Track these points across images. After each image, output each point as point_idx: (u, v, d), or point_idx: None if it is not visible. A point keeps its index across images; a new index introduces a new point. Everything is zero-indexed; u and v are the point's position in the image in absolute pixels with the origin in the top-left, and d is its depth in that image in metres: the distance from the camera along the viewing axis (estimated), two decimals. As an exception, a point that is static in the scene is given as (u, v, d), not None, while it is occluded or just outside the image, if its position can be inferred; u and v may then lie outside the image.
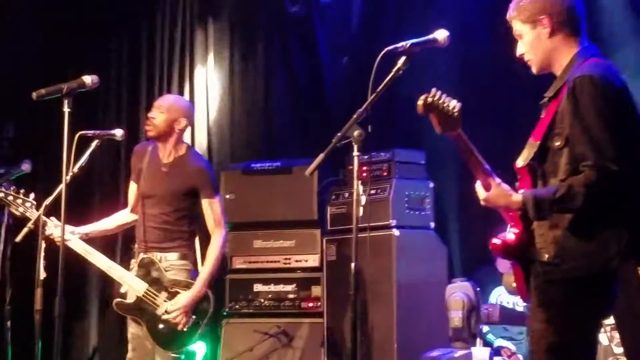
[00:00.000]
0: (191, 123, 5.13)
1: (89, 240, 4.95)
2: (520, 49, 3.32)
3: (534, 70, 3.32)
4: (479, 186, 3.28)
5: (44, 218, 4.57)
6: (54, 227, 4.62)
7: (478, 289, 5.57)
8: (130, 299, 4.87)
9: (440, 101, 3.16)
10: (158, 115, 4.97)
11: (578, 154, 3.03)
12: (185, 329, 4.82)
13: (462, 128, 3.20)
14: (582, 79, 3.04)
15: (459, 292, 5.50)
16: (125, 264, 5.00)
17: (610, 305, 3.19)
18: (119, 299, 4.88)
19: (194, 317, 4.84)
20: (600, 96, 3.00)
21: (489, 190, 3.23)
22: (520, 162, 3.26)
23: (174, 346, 4.83)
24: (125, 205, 5.22)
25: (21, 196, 4.75)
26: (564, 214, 3.08)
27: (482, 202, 3.28)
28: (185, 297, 4.82)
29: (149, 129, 4.98)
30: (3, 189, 4.76)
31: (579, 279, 3.07)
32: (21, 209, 4.74)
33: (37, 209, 4.65)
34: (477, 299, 5.45)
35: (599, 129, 2.97)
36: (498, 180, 3.23)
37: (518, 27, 3.30)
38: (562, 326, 3.10)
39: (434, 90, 3.18)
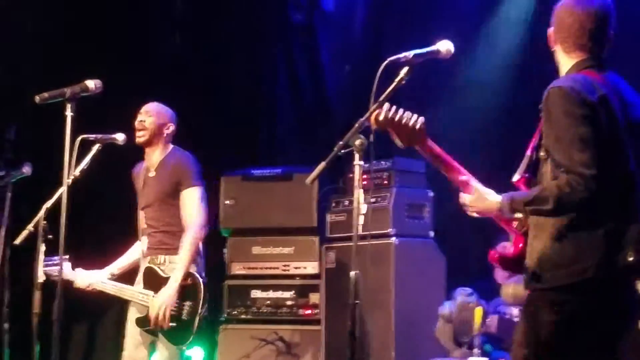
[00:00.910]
0: (175, 129, 5.16)
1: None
2: None
3: None
4: (462, 194, 3.34)
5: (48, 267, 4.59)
6: (80, 280, 4.80)
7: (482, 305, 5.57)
8: (143, 313, 4.94)
9: (397, 117, 3.23)
10: (147, 119, 5.03)
11: (555, 163, 3.09)
12: (187, 319, 4.85)
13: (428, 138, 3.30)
14: (552, 90, 3.11)
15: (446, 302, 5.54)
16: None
17: (596, 317, 3.12)
18: (137, 317, 4.96)
19: (189, 302, 4.86)
20: (569, 107, 3.05)
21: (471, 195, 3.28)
22: (515, 175, 3.32)
23: (183, 339, 4.87)
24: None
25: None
26: (539, 215, 3.13)
27: (466, 209, 3.33)
28: (161, 294, 4.85)
29: (140, 134, 5.01)
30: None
31: (559, 289, 3.08)
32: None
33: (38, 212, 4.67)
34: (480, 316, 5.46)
35: (569, 137, 3.02)
36: (477, 183, 3.30)
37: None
38: (536, 337, 3.11)
39: (387, 105, 3.24)
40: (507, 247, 3.30)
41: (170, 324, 4.84)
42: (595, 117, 3.06)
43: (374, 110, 3.22)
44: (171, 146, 5.13)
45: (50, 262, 4.73)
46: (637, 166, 3.14)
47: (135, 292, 4.98)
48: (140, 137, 5.02)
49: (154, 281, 4.92)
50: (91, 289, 4.97)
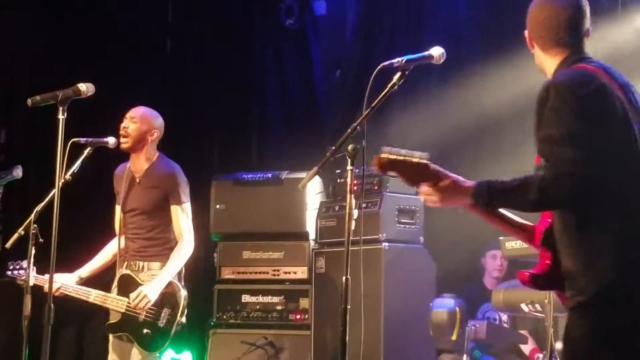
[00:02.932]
0: (161, 135, 5.16)
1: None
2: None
3: None
4: (425, 189, 3.04)
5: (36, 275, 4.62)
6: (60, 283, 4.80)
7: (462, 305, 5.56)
8: (116, 319, 4.98)
9: (400, 157, 2.95)
10: (131, 125, 5.03)
11: (544, 157, 2.93)
12: (164, 326, 4.87)
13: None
14: (546, 88, 3.00)
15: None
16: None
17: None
18: (107, 323, 5.01)
19: (167, 310, 4.89)
20: (561, 103, 2.92)
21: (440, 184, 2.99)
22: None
23: (158, 345, 4.89)
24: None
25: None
26: (514, 207, 2.99)
27: (428, 197, 3.05)
28: (148, 285, 4.89)
29: (123, 140, 5.02)
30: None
31: (583, 304, 2.88)
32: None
33: (29, 215, 4.66)
34: (463, 316, 5.45)
35: (560, 135, 2.86)
36: (449, 173, 3.02)
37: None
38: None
39: (385, 148, 2.98)
40: (535, 268, 3.06)
41: (145, 330, 4.87)
42: (594, 114, 2.90)
43: (376, 159, 2.95)
44: (157, 154, 5.14)
45: (17, 267, 4.74)
46: None
47: (103, 295, 4.98)
48: (123, 143, 5.03)
49: (130, 289, 4.93)
50: (59, 293, 4.93)
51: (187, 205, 5.06)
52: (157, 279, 4.91)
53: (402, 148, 2.96)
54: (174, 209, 5.02)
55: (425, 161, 2.94)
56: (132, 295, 4.88)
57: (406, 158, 2.94)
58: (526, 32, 3.23)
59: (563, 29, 3.12)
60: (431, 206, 3.06)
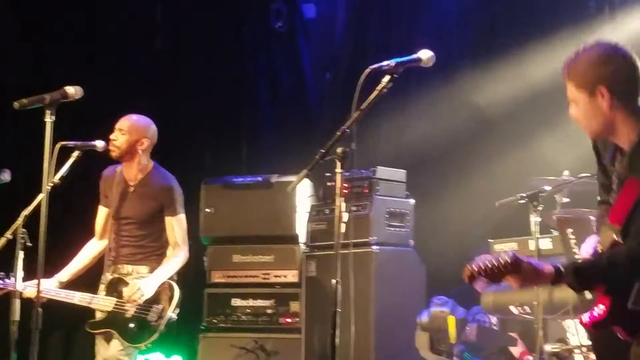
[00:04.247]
0: (154, 142, 5.15)
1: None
2: (573, 112, 2.98)
3: (591, 136, 3.02)
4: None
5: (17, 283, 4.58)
6: (29, 290, 4.65)
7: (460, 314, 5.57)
8: (100, 317, 4.98)
9: (485, 269, 2.82)
10: (120, 137, 5.03)
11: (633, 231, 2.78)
12: (152, 320, 4.87)
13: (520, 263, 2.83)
14: None
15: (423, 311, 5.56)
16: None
17: None
18: (90, 321, 5.00)
19: (159, 306, 4.89)
20: None
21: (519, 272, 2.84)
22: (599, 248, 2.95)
23: (143, 339, 4.89)
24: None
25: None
26: (608, 286, 2.85)
27: (513, 285, 2.88)
28: (144, 280, 4.92)
29: (112, 150, 5.02)
30: None
31: None
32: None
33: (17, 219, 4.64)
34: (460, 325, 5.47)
35: None
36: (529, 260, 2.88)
37: (572, 91, 2.95)
38: None
39: (470, 267, 2.85)
40: (594, 312, 2.93)
41: (131, 325, 4.88)
42: None
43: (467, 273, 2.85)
44: (152, 163, 5.13)
45: (1, 277, 4.71)
46: None
47: (89, 297, 4.98)
48: (112, 152, 5.05)
49: (120, 289, 4.94)
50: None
51: (183, 217, 5.11)
52: (153, 276, 4.94)
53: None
54: (169, 220, 5.06)
55: (511, 260, 2.80)
56: (127, 288, 4.88)
57: (495, 264, 2.82)
58: (579, 89, 2.92)
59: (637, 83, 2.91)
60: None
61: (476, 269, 2.83)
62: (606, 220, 2.94)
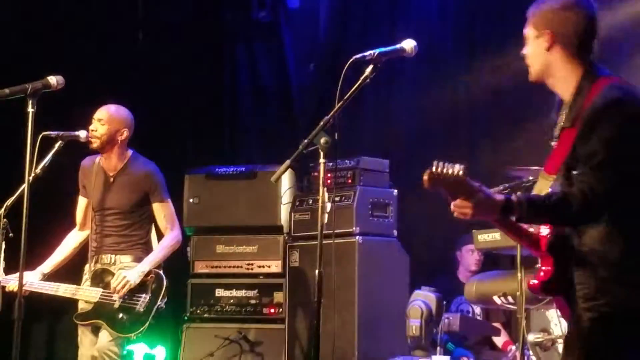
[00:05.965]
0: (132, 132, 5.15)
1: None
2: (524, 50, 3.13)
3: (530, 76, 3.13)
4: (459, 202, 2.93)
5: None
6: (12, 283, 4.77)
7: (441, 298, 5.57)
8: (86, 308, 4.99)
9: (445, 171, 2.87)
10: (99, 127, 5.02)
11: (579, 175, 2.87)
12: (141, 309, 4.89)
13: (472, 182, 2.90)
14: (605, 103, 2.87)
15: (418, 300, 5.52)
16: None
17: None
18: (76, 313, 5.01)
19: (146, 296, 4.90)
20: (623, 122, 2.85)
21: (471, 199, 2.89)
22: None
23: (133, 329, 4.90)
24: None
25: None
26: (553, 223, 2.94)
27: (464, 212, 2.94)
28: (130, 270, 4.93)
29: (92, 141, 5.01)
30: None
31: (618, 316, 2.86)
32: None
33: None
34: (439, 309, 5.46)
35: (614, 156, 2.83)
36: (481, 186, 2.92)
37: (527, 29, 3.11)
38: None
39: (435, 162, 2.89)
40: (540, 274, 3.01)
41: (120, 315, 4.89)
42: None
43: (429, 171, 2.88)
44: (130, 152, 5.14)
45: None
46: None
47: (74, 288, 4.99)
48: (92, 143, 5.04)
49: (105, 280, 4.96)
50: (23, 292, 4.88)
51: (169, 201, 5.15)
52: (140, 264, 4.96)
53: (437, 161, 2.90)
54: (157, 206, 5.09)
55: (462, 174, 2.85)
56: (113, 279, 4.90)
57: (446, 172, 2.86)
58: (532, 28, 3.07)
59: (589, 40, 3.03)
60: (461, 218, 2.96)
61: (435, 170, 2.88)
62: (543, 172, 3.03)
